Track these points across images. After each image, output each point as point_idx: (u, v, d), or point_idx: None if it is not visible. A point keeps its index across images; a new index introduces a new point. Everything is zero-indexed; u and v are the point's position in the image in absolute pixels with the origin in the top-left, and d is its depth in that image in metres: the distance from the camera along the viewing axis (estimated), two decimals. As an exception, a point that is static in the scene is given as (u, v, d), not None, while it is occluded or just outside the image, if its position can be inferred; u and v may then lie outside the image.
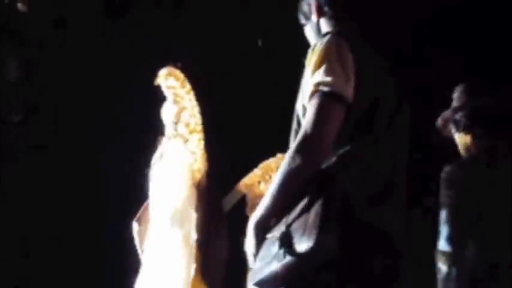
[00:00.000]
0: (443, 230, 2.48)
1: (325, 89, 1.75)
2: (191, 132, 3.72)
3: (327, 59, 1.79)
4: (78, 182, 4.83)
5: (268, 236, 1.79)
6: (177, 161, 3.64)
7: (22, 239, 4.82)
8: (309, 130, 1.74)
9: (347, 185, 1.72)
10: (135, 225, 3.70)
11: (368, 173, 1.77)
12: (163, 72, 3.68)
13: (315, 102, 1.76)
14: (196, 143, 3.68)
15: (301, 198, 1.70)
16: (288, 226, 1.69)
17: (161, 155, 3.69)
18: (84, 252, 4.74)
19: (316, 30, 2.04)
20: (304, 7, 2.08)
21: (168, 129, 3.71)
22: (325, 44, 1.82)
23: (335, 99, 1.75)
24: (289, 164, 1.76)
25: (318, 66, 1.79)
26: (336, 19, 2.01)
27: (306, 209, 1.67)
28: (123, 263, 3.82)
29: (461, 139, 2.63)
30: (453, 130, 2.66)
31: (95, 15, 4.93)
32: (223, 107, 4.65)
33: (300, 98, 1.92)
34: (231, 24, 4.62)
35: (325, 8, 2.01)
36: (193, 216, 3.48)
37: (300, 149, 1.75)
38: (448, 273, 2.44)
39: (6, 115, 5.04)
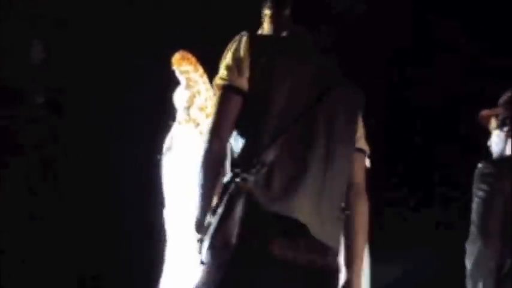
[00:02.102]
0: (475, 220, 2.58)
1: (221, 82, 1.97)
2: (208, 116, 3.66)
3: (225, 55, 2.00)
4: (92, 168, 4.79)
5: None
6: (190, 146, 3.59)
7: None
8: (209, 120, 1.98)
9: (251, 183, 1.87)
10: None
11: (270, 166, 1.90)
12: (176, 57, 3.62)
13: (216, 94, 2.00)
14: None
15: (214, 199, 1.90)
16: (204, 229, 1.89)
17: (172, 141, 3.64)
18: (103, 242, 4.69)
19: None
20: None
21: (180, 114, 3.66)
22: (231, 43, 2.02)
23: (228, 90, 1.95)
24: (200, 154, 1.95)
25: (220, 62, 2.01)
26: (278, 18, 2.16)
27: (215, 208, 1.89)
28: (141, 252, 3.78)
29: (498, 136, 2.77)
30: (494, 125, 2.80)
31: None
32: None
33: None
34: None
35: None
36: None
37: (204, 139, 1.96)
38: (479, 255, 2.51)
39: (30, 98, 5.04)
